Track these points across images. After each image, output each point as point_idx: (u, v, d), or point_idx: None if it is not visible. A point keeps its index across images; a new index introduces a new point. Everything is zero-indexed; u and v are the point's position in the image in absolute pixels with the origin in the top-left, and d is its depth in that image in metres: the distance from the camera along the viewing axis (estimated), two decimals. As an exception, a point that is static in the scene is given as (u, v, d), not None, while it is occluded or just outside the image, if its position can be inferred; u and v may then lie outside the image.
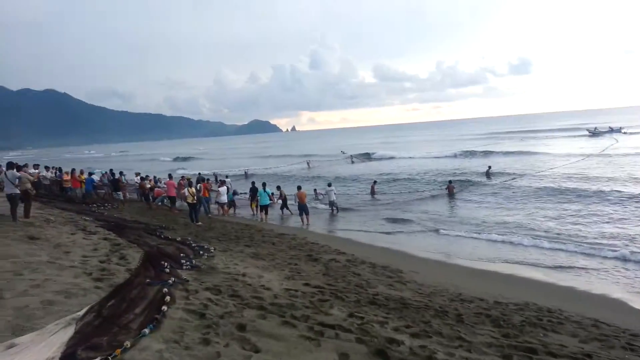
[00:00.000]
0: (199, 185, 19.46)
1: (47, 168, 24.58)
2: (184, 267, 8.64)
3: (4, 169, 13.32)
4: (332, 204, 21.20)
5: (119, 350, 4.26)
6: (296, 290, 7.68)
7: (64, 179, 22.05)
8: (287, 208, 21.62)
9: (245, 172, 43.15)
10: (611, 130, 61.16)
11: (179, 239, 12.09)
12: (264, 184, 20.76)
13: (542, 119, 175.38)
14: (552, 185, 23.88)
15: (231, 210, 22.01)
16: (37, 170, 22.38)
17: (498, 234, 14.98)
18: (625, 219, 16.14)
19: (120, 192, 22.79)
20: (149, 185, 22.46)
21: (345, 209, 21.78)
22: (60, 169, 24.45)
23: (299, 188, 20.41)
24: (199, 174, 34.38)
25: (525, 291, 9.49)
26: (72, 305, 5.61)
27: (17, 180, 12.29)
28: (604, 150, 33.08)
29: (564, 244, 13.41)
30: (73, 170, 23.16)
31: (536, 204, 19.86)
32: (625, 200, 19.01)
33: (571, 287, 10.01)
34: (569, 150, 43.18)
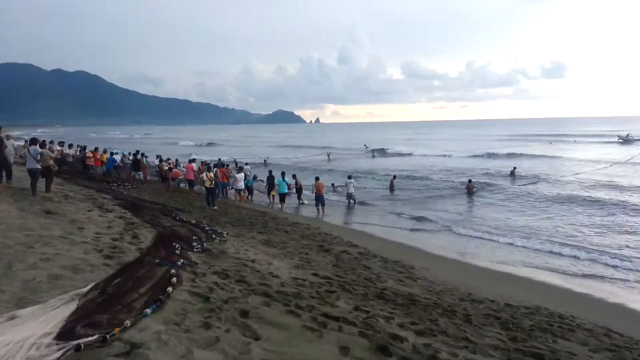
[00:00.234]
0: (215, 169, 19.62)
1: (70, 146, 25.10)
2: (195, 249, 8.66)
3: (29, 144, 13.61)
4: (349, 196, 21.11)
5: (117, 329, 4.21)
6: (304, 280, 7.62)
7: (87, 156, 22.64)
8: (299, 198, 21.64)
9: (265, 160, 43.26)
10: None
11: (193, 221, 12.14)
12: (282, 173, 20.75)
13: (573, 123, 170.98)
14: (576, 192, 23.18)
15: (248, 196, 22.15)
16: (61, 147, 22.88)
17: (516, 237, 14.55)
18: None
19: (140, 172, 23.20)
20: (166, 167, 22.77)
21: (362, 203, 21.64)
22: (84, 147, 24.98)
23: (317, 179, 20.35)
24: (219, 159, 34.57)
25: (539, 295, 9.23)
26: (78, 280, 5.64)
27: (39, 155, 12.54)
28: (632, 158, 31.89)
29: (586, 252, 12.92)
30: (96, 149, 23.72)
31: (558, 209, 19.28)
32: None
33: (587, 294, 9.70)
34: (598, 156, 41.96)
